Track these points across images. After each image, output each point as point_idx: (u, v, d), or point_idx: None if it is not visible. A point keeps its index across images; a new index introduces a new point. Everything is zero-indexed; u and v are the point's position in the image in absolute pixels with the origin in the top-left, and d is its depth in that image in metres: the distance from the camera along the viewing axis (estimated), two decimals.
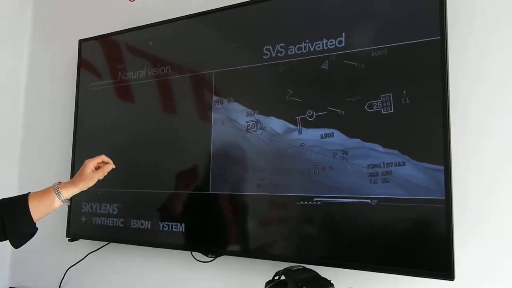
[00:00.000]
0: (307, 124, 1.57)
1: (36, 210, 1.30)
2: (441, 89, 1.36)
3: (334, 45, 1.57)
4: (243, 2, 1.77)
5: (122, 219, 1.94)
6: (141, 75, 2.00)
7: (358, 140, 1.48)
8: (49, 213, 1.34)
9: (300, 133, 1.58)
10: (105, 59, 2.12)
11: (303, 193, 1.55)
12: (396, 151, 1.41)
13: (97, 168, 1.40)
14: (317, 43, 1.60)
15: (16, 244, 1.30)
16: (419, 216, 1.39)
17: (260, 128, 1.66)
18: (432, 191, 1.35)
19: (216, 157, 1.74)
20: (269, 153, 1.64)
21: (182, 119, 1.88)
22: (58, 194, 1.32)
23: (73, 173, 2.11)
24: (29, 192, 1.32)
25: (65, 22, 2.42)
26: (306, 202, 1.55)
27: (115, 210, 1.96)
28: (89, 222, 2.03)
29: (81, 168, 1.38)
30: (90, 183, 1.37)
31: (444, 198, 1.33)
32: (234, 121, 1.72)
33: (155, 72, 1.96)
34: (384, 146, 1.44)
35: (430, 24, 1.41)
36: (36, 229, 1.32)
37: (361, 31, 1.54)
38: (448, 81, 1.36)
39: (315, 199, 1.53)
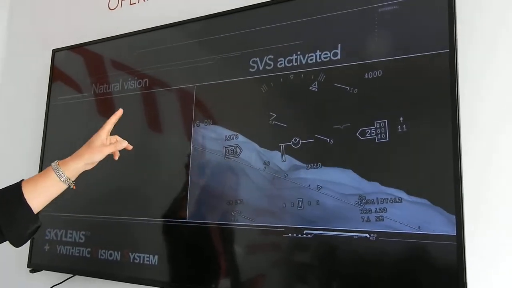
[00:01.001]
0: (292, 152, 1.39)
1: (34, 196, 1.04)
2: (450, 114, 1.18)
3: (328, 58, 1.39)
4: (229, 11, 1.60)
5: (89, 249, 1.72)
6: (117, 88, 1.81)
7: (350, 170, 1.29)
8: (52, 199, 1.09)
9: (284, 160, 1.39)
10: (79, 70, 1.94)
11: (291, 225, 1.35)
12: (392, 188, 1.23)
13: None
14: (309, 55, 1.42)
15: (16, 243, 1.06)
16: (426, 254, 1.19)
17: (240, 154, 1.47)
18: (441, 227, 1.16)
19: (194, 182, 1.54)
20: (251, 181, 1.44)
21: (159, 138, 1.68)
22: (57, 172, 1.06)
23: None
24: (22, 179, 1.07)
25: (41, 30, 2.24)
26: (295, 235, 1.35)
27: (81, 238, 1.75)
28: (53, 251, 1.81)
29: (91, 139, 1.12)
30: (98, 156, 1.10)
31: (455, 234, 1.14)
32: (213, 145, 1.53)
33: (132, 85, 1.78)
34: (382, 183, 1.25)
35: (436, 35, 1.24)
36: (39, 221, 1.07)
37: (359, 42, 1.37)
38: (459, 103, 1.18)
39: (305, 232, 1.33)
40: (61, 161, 1.09)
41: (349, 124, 1.31)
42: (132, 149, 1.70)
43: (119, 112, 1.19)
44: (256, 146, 1.44)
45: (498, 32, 1.25)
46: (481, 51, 1.25)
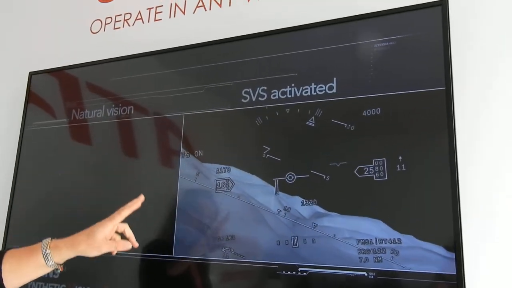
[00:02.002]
0: (286, 188, 1.35)
1: (13, 278, 0.95)
2: (448, 151, 1.17)
3: (324, 91, 1.38)
4: (220, 40, 1.57)
5: (64, 285, 1.61)
6: (99, 114, 1.74)
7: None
8: (34, 279, 1.00)
9: (278, 196, 1.35)
10: (57, 95, 1.86)
11: (284, 261, 1.30)
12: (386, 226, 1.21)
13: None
14: (304, 87, 1.41)
15: None
16: None
17: (232, 188, 1.42)
18: (441, 266, 1.14)
19: (182, 216, 1.47)
20: (243, 216, 1.38)
21: (144, 168, 1.61)
22: (46, 257, 0.95)
23: (8, 225, 1.78)
24: (7, 249, 0.98)
25: (18, 51, 2.14)
26: (288, 272, 1.30)
27: (56, 274, 1.64)
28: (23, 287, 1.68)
29: (93, 228, 1.00)
30: (94, 253, 0.99)
31: (455, 273, 1.12)
32: (203, 178, 1.47)
33: (116, 112, 1.71)
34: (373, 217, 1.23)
35: (432, 72, 1.24)
36: None
37: (355, 76, 1.36)
38: (456, 143, 1.17)
39: (300, 269, 1.29)
40: (53, 242, 0.98)
41: (345, 162, 1.29)
42: (116, 178, 1.65)
43: (138, 201, 1.05)
44: (249, 180, 1.40)
45: (494, 68, 1.27)
46: (478, 88, 1.27)
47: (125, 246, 1.02)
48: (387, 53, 1.32)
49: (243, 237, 1.38)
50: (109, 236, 1.01)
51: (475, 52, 1.29)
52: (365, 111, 1.30)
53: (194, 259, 1.43)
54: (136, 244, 1.05)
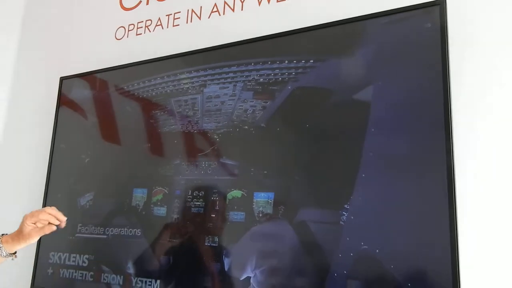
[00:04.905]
0: None
1: None
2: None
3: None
4: (233, 43, 1.66)
5: (92, 273, 1.75)
6: (128, 116, 1.86)
7: None
8: None
9: None
10: (86, 98, 2.01)
11: None
12: None
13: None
14: None
15: None
16: None
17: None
18: None
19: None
20: None
21: (169, 164, 1.71)
22: (0, 251, 1.21)
23: None
24: None
25: (50, 58, 2.31)
26: None
27: (85, 262, 1.78)
28: (56, 274, 1.84)
29: (20, 224, 1.23)
30: (29, 241, 1.22)
31: None
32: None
33: (144, 114, 1.82)
34: None
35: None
36: None
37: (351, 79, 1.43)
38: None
39: None
40: (4, 238, 1.22)
41: None
42: (143, 173, 1.74)
43: (53, 228, 1.23)
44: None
45: (492, 69, 1.28)
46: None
47: (50, 229, 1.22)
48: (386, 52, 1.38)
49: None
50: (29, 222, 1.20)
51: (474, 52, 1.30)
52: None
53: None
54: (62, 225, 1.23)
